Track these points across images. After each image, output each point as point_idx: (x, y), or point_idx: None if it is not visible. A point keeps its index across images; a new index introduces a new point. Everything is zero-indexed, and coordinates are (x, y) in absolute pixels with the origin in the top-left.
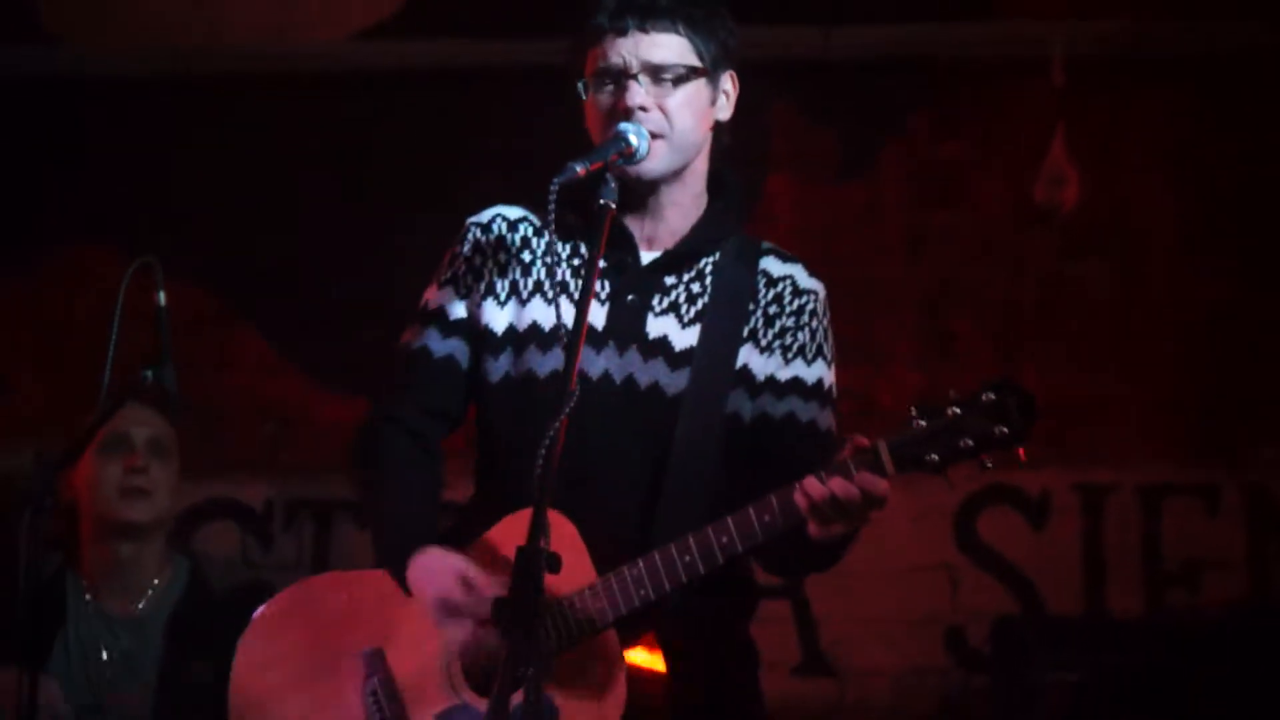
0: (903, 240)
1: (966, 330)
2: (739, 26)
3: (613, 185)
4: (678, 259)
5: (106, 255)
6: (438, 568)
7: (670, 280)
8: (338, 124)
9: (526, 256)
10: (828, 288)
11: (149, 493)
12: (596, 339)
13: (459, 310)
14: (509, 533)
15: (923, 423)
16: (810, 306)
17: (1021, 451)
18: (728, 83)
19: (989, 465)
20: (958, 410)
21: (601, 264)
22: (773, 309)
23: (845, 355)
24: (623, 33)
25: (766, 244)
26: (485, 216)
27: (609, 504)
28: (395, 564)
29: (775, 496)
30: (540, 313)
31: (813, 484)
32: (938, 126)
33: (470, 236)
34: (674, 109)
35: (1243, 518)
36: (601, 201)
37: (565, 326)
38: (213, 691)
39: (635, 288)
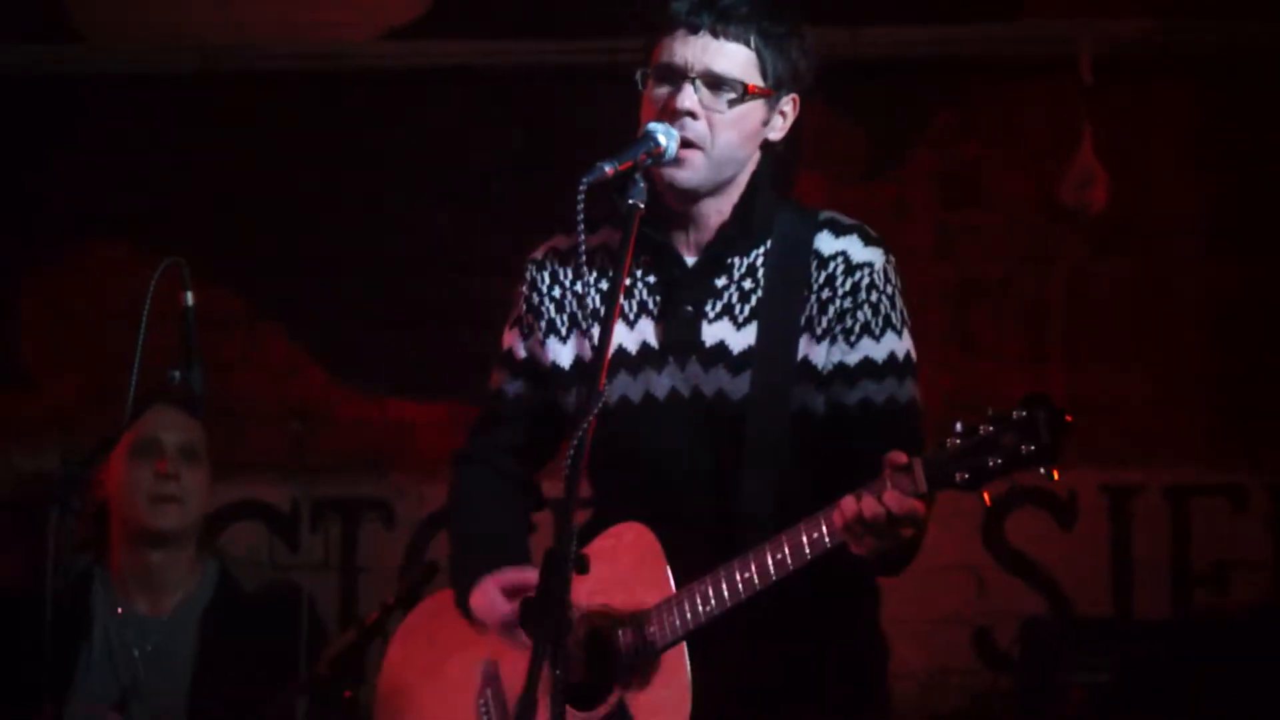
0: (930, 239)
1: (993, 329)
2: None
3: (641, 185)
4: (719, 257)
5: (134, 254)
6: (490, 600)
7: (721, 282)
8: (366, 123)
9: (579, 287)
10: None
11: (180, 500)
12: (656, 358)
13: (522, 351)
14: (601, 550)
15: (957, 441)
16: (866, 280)
17: (1055, 472)
18: (788, 104)
19: (1018, 484)
20: (990, 428)
21: (651, 279)
22: (825, 293)
23: None
24: (695, 30)
25: (824, 215)
26: (540, 253)
27: (689, 516)
28: (458, 594)
29: (823, 515)
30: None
31: (848, 503)
32: (965, 125)
33: (529, 275)
34: (719, 124)
35: (1270, 519)
36: (630, 201)
37: (626, 351)
38: (242, 689)
39: (686, 298)
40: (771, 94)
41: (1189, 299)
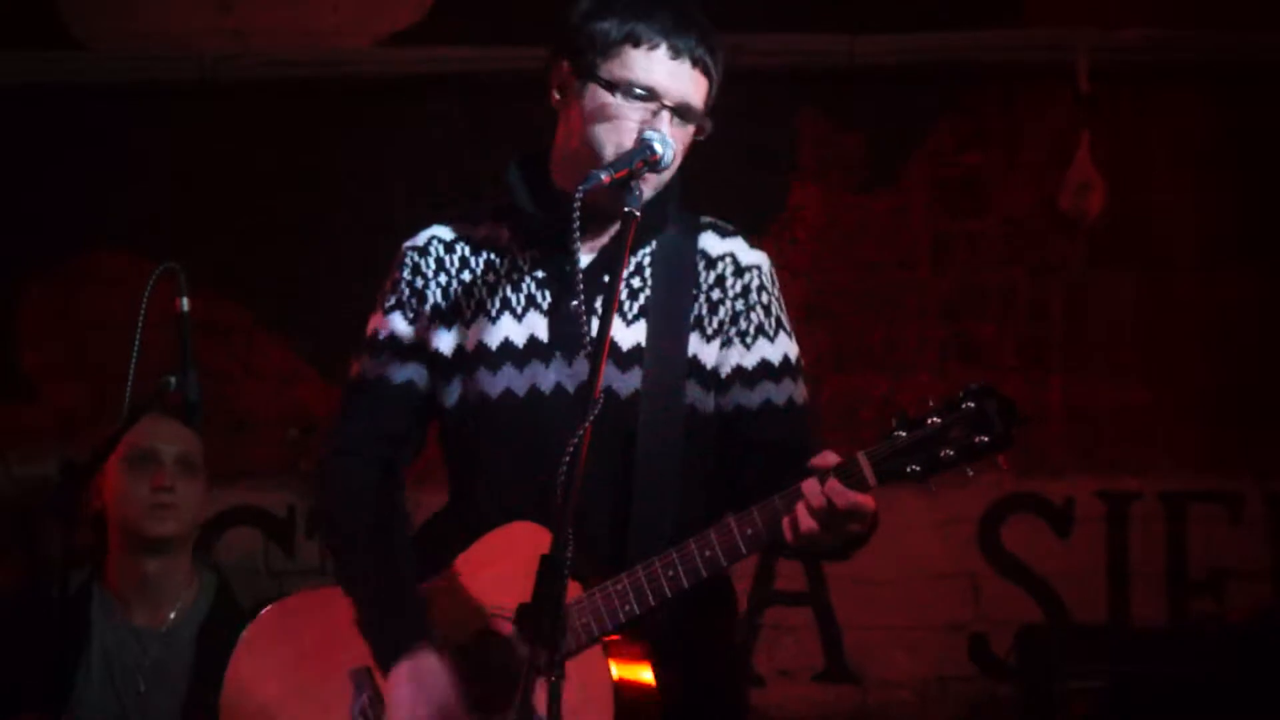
0: (928, 247)
1: (991, 338)
2: (765, 35)
3: (638, 193)
4: (613, 255)
5: (134, 263)
6: (424, 685)
7: (609, 279)
8: (363, 130)
9: (466, 276)
10: (853, 286)
11: (177, 508)
12: (543, 352)
13: (410, 335)
14: (493, 548)
15: (903, 434)
16: (756, 283)
17: (1003, 459)
18: (707, 120)
19: (971, 474)
20: (938, 420)
21: (540, 274)
22: (715, 293)
23: (870, 363)
24: (677, 55)
25: (705, 219)
26: (421, 239)
27: (581, 513)
28: (382, 651)
29: (757, 509)
30: (486, 332)
31: (790, 498)
32: (963, 134)
33: (409, 260)
34: (678, 150)
35: (1267, 526)
36: (626, 209)
37: (512, 343)
38: None
39: (574, 293)
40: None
41: (1187, 307)
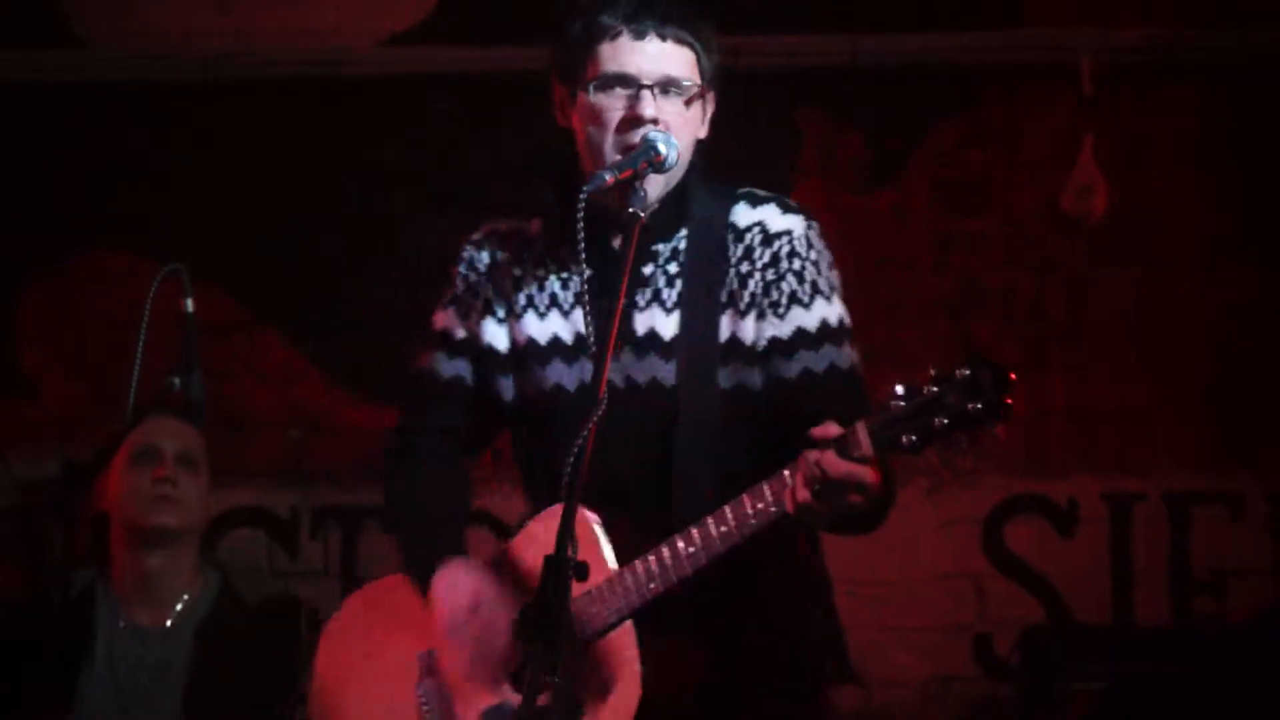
0: (930, 247)
1: (993, 338)
2: (767, 35)
3: (642, 194)
4: (645, 245)
5: (136, 261)
6: (456, 584)
7: (648, 270)
8: (366, 130)
9: (517, 271)
10: (853, 286)
11: (177, 501)
12: (590, 348)
13: (461, 331)
14: (534, 534)
15: (901, 403)
16: (787, 249)
17: (1001, 430)
18: (711, 101)
19: (965, 445)
20: (933, 388)
21: (587, 272)
22: (744, 266)
23: (871, 363)
24: (640, 35)
25: (742, 189)
26: (478, 234)
27: (625, 503)
28: (420, 580)
29: (767, 483)
30: (535, 328)
31: (793, 470)
32: (965, 134)
33: (466, 255)
34: (678, 127)
35: (1269, 526)
36: (630, 210)
37: (561, 340)
38: (241, 701)
39: (617, 289)
40: (709, 91)
41: (1189, 307)
